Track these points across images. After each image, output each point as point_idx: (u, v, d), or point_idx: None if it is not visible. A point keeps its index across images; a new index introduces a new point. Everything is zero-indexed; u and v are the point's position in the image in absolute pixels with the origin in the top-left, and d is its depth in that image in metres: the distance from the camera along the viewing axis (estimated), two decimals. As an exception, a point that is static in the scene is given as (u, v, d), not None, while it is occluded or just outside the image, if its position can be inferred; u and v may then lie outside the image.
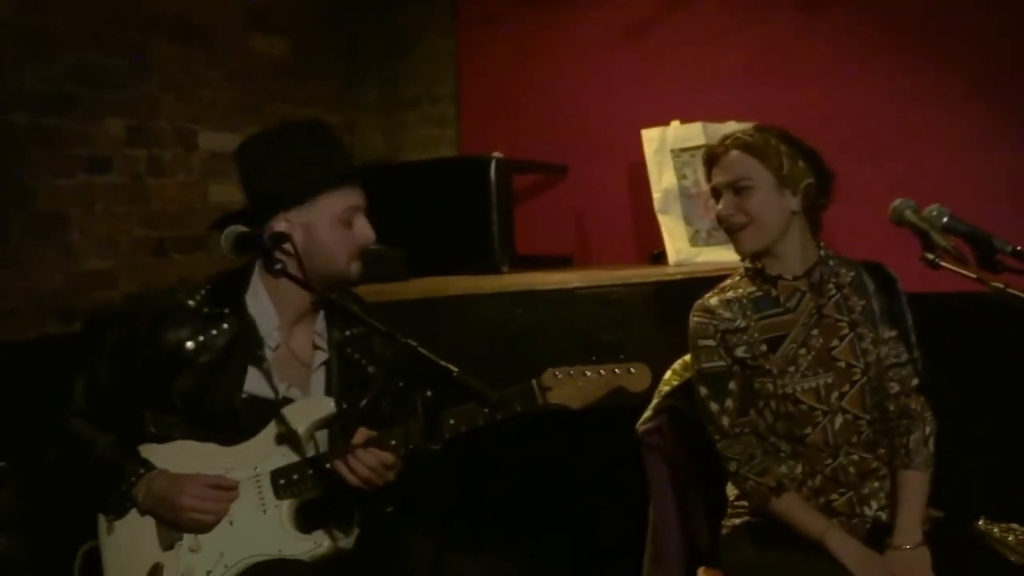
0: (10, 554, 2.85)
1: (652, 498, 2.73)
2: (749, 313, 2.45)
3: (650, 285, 3.16)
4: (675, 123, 3.73)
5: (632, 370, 2.37)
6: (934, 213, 2.14)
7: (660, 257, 3.68)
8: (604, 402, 2.37)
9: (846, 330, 2.44)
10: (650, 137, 3.74)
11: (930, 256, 2.07)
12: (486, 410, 2.28)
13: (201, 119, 3.87)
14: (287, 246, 2.32)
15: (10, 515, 2.87)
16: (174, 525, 2.32)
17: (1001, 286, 1.95)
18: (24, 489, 2.85)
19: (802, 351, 2.42)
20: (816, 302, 2.45)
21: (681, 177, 3.67)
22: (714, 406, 2.46)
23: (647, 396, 2.58)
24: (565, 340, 3.11)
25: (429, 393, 2.00)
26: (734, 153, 2.45)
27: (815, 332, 2.43)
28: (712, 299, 2.50)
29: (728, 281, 2.55)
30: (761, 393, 2.43)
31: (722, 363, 2.45)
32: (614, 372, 2.36)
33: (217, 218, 2.42)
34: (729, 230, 2.47)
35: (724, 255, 3.55)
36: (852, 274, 2.50)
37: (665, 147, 3.70)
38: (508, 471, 3.67)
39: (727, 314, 2.46)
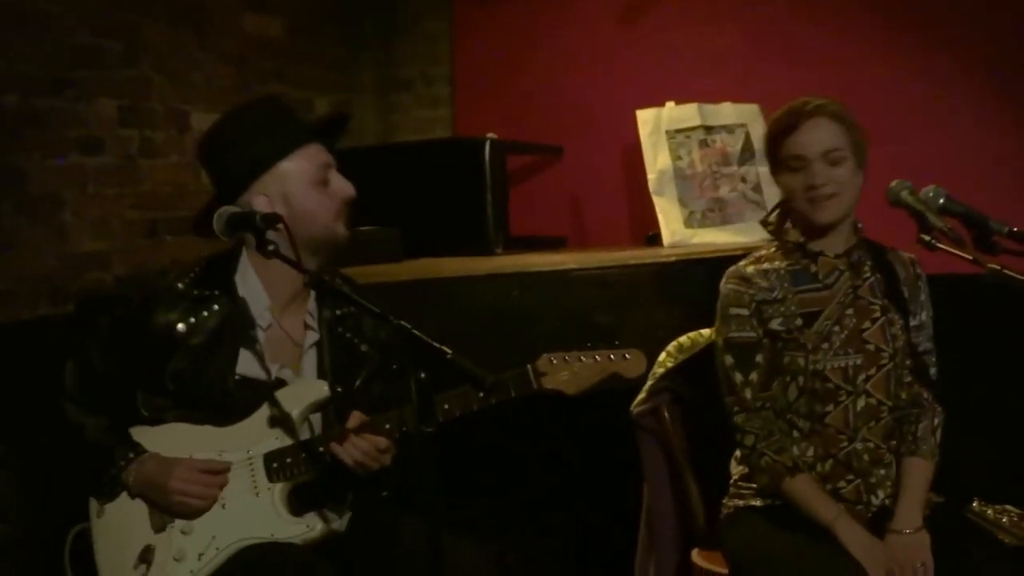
0: (5, 537, 2.84)
1: (646, 480, 2.73)
2: (787, 285, 2.43)
3: (646, 267, 3.15)
4: (670, 104, 3.72)
5: (627, 356, 2.36)
6: (931, 194, 2.13)
7: (655, 239, 3.67)
8: (599, 387, 2.36)
9: (878, 313, 2.42)
10: (645, 118, 3.72)
11: (926, 237, 2.07)
12: (480, 394, 2.27)
13: (194, 100, 3.84)
14: (279, 226, 2.30)
15: (5, 498, 2.86)
16: (164, 509, 2.31)
17: (997, 267, 1.95)
18: (18, 472, 2.84)
19: (835, 329, 2.40)
20: (853, 282, 2.43)
21: (676, 158, 3.66)
22: (739, 377, 2.43)
23: (642, 381, 2.57)
24: (560, 322, 3.10)
25: (423, 375, 1.99)
26: (825, 120, 2.37)
27: (849, 312, 2.41)
28: (748, 267, 2.47)
29: (762, 252, 2.52)
30: (790, 367, 2.40)
31: (753, 334, 2.42)
32: (609, 358, 2.35)
33: (195, 221, 2.45)
34: (814, 199, 2.37)
35: (719, 236, 3.56)
36: (886, 260, 2.48)
37: (660, 128, 3.69)
38: (501, 454, 3.66)
39: (764, 283, 2.43)
